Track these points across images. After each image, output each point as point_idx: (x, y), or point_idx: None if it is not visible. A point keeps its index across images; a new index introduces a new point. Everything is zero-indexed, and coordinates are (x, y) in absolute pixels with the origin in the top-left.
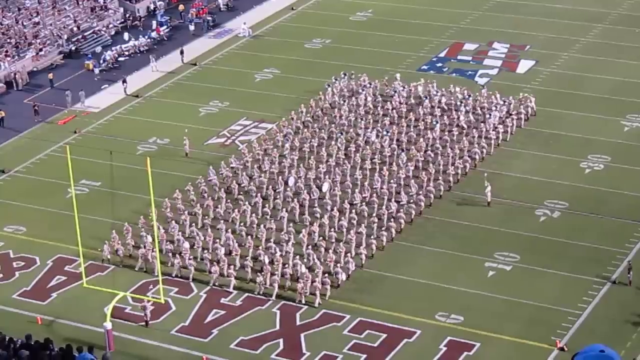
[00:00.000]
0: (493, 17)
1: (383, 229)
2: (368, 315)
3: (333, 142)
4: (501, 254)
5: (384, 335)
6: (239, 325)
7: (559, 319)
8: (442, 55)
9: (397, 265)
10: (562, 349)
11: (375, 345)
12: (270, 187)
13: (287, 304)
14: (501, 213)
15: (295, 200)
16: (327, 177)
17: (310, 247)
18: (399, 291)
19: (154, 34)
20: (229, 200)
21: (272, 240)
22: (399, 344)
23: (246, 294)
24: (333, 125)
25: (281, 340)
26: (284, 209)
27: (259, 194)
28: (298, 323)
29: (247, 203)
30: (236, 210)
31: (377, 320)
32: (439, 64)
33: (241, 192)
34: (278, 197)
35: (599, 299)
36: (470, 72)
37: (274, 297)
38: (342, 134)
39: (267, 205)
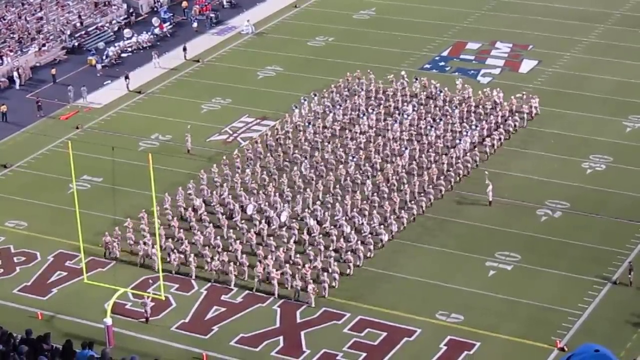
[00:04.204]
0: (496, 16)
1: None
2: (368, 313)
3: (295, 168)
4: (502, 254)
5: (384, 334)
6: (240, 322)
7: (559, 319)
8: (444, 54)
9: (397, 263)
10: (562, 349)
11: (376, 343)
12: (224, 216)
13: (287, 302)
14: (502, 212)
15: (252, 230)
16: (286, 205)
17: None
18: (400, 290)
19: (157, 31)
20: (181, 230)
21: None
22: (399, 343)
23: (246, 291)
24: (297, 149)
25: (281, 338)
26: (238, 241)
27: (211, 223)
28: (298, 321)
29: (199, 232)
30: (186, 241)
31: (377, 319)
32: (442, 63)
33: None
34: (234, 225)
35: (600, 300)
36: (472, 71)
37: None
38: (306, 158)
39: (219, 236)
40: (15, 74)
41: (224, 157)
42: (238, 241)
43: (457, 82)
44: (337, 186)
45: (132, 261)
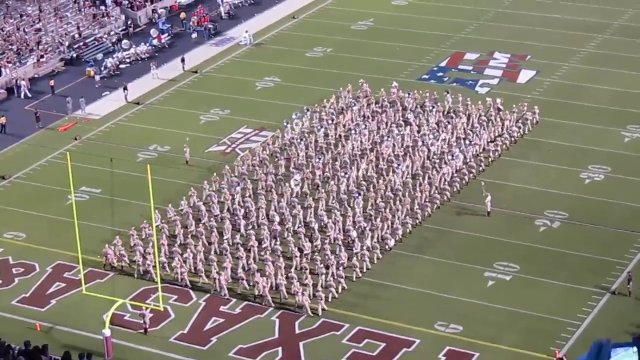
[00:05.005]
0: (494, 27)
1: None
2: (367, 324)
3: (286, 183)
4: (500, 264)
5: (383, 345)
6: (238, 333)
7: (558, 329)
8: (442, 64)
9: (396, 274)
10: (561, 359)
11: (374, 354)
12: (214, 232)
13: (286, 313)
14: (501, 223)
15: (243, 249)
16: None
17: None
18: (398, 300)
19: (155, 42)
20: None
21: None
22: (398, 354)
23: (245, 302)
24: (290, 164)
25: (280, 349)
26: (228, 259)
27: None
28: (297, 331)
29: (189, 250)
30: (176, 258)
31: (376, 329)
32: (440, 74)
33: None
34: (225, 242)
35: (599, 310)
36: (470, 82)
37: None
38: (298, 173)
39: (210, 253)
40: (22, 83)
41: (214, 174)
42: (228, 259)
43: (446, 95)
44: (330, 202)
45: (131, 272)
